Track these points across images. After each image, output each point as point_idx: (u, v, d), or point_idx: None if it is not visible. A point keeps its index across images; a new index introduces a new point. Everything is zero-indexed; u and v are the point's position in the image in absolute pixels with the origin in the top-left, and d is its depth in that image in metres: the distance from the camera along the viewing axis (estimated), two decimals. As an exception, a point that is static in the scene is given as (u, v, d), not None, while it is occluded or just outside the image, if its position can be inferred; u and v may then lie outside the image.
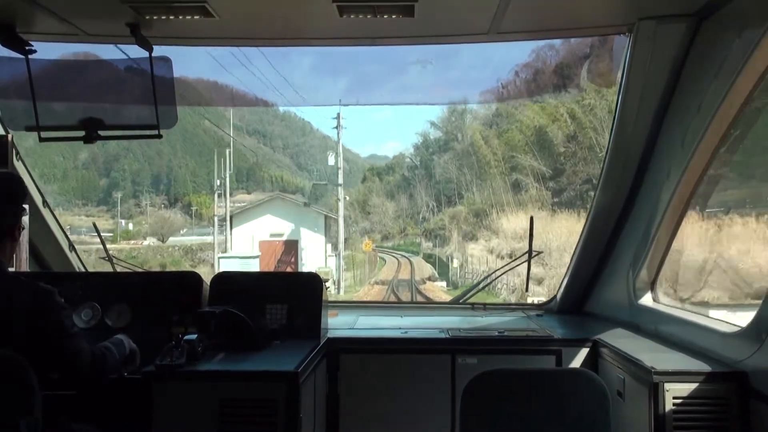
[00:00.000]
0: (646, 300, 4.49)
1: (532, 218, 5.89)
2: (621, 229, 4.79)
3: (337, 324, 4.70)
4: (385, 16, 3.92)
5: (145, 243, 63.87)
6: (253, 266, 35.32)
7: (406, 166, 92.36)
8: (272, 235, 51.56)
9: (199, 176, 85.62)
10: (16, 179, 3.31)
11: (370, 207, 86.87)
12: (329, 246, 52.16)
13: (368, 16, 3.91)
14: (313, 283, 4.34)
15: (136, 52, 4.37)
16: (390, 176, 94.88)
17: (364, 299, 32.36)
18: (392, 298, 35.51)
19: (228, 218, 49.45)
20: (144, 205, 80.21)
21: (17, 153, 4.77)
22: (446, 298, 31.78)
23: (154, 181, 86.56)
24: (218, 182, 50.85)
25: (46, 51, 4.50)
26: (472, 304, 5.56)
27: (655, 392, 3.28)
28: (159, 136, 4.45)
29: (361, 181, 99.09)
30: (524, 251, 5.64)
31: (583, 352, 4.26)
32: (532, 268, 5.81)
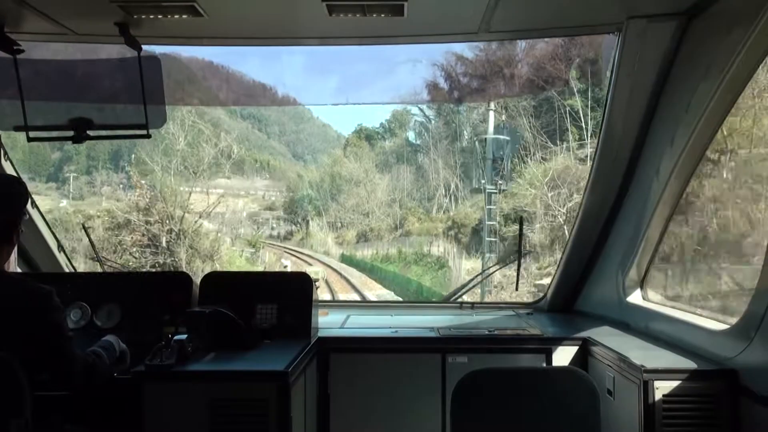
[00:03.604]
0: (636, 298, 4.50)
1: (521, 218, 6.03)
2: (610, 227, 4.80)
3: (328, 323, 4.69)
4: (375, 16, 3.92)
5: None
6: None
7: (412, 127, 60.63)
8: None
9: (168, 155, 77.30)
10: (18, 183, 3.30)
11: (344, 181, 58.12)
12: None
13: (358, 16, 3.91)
14: (303, 282, 4.34)
15: (125, 51, 4.36)
16: (387, 141, 63.97)
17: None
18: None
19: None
20: (99, 184, 65.45)
21: (5, 153, 4.75)
22: None
23: (113, 157, 70.86)
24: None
25: (35, 50, 4.49)
26: (461, 302, 5.56)
27: (645, 390, 3.29)
28: (148, 136, 4.44)
29: (342, 147, 70.54)
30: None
31: (573, 351, 4.27)
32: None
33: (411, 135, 60.55)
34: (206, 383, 3.35)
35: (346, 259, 46.75)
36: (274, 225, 61.88)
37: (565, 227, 26.20)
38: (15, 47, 4.30)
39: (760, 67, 3.36)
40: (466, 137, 48.81)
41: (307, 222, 58.35)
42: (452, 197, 47.72)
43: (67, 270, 5.44)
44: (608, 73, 4.37)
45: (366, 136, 65.18)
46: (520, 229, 5.87)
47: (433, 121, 55.35)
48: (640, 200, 4.35)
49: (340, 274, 36.66)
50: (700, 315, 3.94)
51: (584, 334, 4.31)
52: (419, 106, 55.20)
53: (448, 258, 33.87)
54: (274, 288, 4.31)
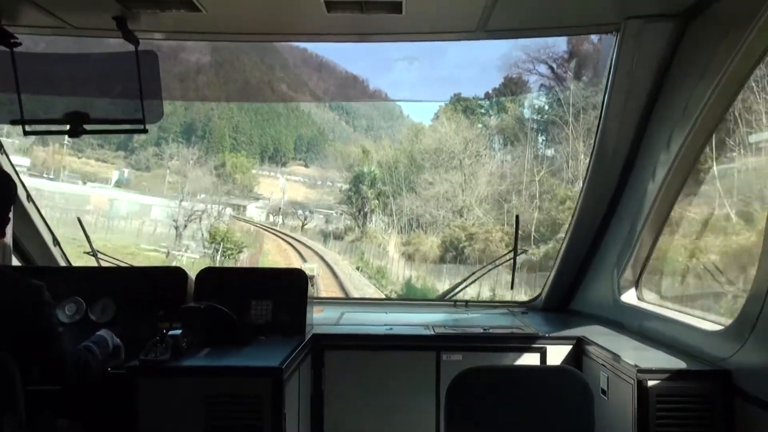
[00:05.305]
0: (631, 298, 4.51)
1: (517, 216, 6.05)
2: (606, 227, 4.81)
3: (322, 320, 4.70)
4: (373, 13, 3.92)
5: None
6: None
7: (531, 104, 43.37)
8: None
9: (244, 134, 70.15)
10: (7, 178, 3.31)
11: (428, 155, 43.06)
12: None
13: (356, 13, 3.91)
14: (298, 279, 4.33)
15: (122, 45, 4.34)
16: (492, 116, 45.98)
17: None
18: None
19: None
20: (166, 157, 60.90)
21: (1, 146, 4.74)
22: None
23: (185, 130, 66.61)
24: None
25: (32, 44, 4.47)
26: (455, 301, 5.56)
27: (639, 390, 3.29)
28: (145, 131, 4.43)
29: (431, 118, 53.59)
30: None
31: (568, 350, 4.28)
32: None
33: (527, 110, 44.28)
34: (200, 379, 3.35)
35: (414, 293, 26.17)
36: (328, 218, 54.03)
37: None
38: (12, 40, 4.28)
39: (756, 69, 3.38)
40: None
41: (365, 215, 44.47)
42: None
43: (62, 264, 5.43)
44: (605, 74, 4.37)
45: (464, 108, 47.34)
46: (516, 228, 5.88)
47: (571, 86, 37.47)
48: (636, 200, 4.36)
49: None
50: (695, 316, 3.95)
51: (579, 333, 4.32)
52: (549, 62, 38.87)
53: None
54: (268, 284, 4.30)
